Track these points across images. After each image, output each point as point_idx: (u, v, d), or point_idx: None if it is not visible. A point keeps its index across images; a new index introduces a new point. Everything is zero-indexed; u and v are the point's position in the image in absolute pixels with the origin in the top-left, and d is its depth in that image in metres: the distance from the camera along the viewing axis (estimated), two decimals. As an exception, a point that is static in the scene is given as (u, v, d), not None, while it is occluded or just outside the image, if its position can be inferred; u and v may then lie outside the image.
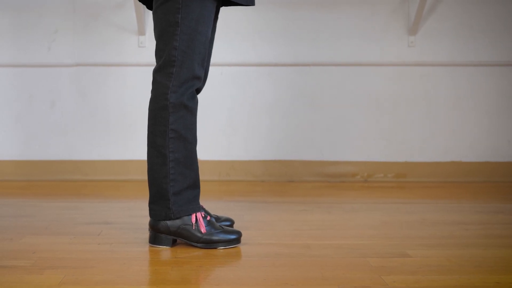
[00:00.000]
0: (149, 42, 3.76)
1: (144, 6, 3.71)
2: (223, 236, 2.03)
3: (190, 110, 2.04)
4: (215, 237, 2.03)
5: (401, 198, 3.17)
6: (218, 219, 2.25)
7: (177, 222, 2.03)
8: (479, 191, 3.40)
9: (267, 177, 3.74)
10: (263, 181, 3.71)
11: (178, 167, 2.03)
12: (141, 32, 3.72)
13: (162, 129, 2.02)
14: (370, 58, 3.77)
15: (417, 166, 3.78)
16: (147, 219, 2.50)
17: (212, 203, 2.88)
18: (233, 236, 2.04)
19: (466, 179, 3.76)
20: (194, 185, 2.07)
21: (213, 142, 3.79)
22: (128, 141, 3.79)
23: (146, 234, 2.21)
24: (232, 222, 2.28)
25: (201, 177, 3.76)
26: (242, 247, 2.05)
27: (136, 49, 3.77)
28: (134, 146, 3.78)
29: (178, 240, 2.06)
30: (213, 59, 3.76)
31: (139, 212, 2.69)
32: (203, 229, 2.02)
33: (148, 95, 3.73)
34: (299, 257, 1.92)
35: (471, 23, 3.78)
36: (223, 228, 2.06)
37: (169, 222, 2.03)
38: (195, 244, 2.02)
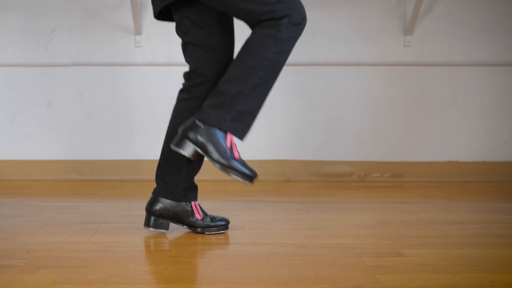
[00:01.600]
0: (146, 41, 3.76)
1: (141, 6, 3.71)
2: (240, 166, 2.06)
3: (288, 51, 2.08)
4: (232, 163, 2.05)
5: (398, 197, 3.17)
6: (213, 219, 2.25)
7: (206, 136, 2.05)
8: (476, 191, 3.40)
9: (264, 177, 3.73)
10: (260, 181, 3.70)
11: (255, 91, 2.05)
12: (138, 32, 3.72)
13: (260, 53, 2.04)
14: (366, 58, 3.77)
15: (414, 166, 3.78)
16: (142, 218, 2.51)
17: (209, 202, 2.88)
18: (249, 172, 2.06)
19: (463, 179, 3.76)
20: (254, 113, 2.09)
21: (210, 142, 3.78)
22: (125, 141, 3.78)
23: (141, 234, 2.21)
24: (227, 222, 2.28)
25: (197, 177, 3.76)
26: (237, 246, 2.05)
27: (133, 49, 3.77)
28: (131, 146, 3.78)
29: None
30: (210, 59, 3.76)
31: (135, 211, 2.69)
32: (236, 155, 2.07)
33: (144, 94, 3.74)
34: (293, 256, 1.91)
35: (467, 23, 3.78)
36: (245, 163, 2.09)
37: (199, 135, 2.05)
38: (213, 161, 2.05)
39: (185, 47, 2.28)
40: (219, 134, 2.06)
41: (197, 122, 2.07)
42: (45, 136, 3.79)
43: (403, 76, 3.79)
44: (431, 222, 2.46)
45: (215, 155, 2.05)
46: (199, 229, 2.21)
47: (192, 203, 2.23)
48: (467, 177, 3.77)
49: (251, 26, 2.10)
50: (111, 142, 3.78)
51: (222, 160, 2.05)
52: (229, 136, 2.07)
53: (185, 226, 2.24)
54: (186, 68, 3.84)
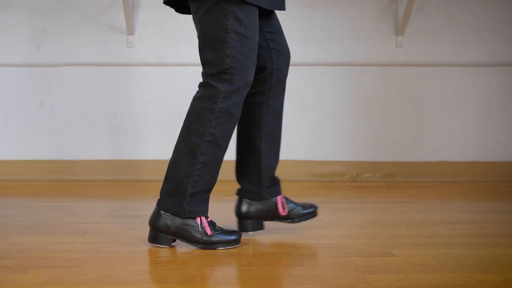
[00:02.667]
0: (138, 42, 3.75)
1: (133, 6, 3.71)
2: (223, 237, 2.03)
3: (233, 118, 2.04)
4: (214, 238, 2.02)
5: (389, 197, 3.18)
6: (304, 206, 2.25)
7: (177, 222, 2.02)
8: (467, 191, 3.41)
9: (256, 177, 3.73)
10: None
11: (204, 170, 2.03)
12: (130, 32, 3.72)
13: (201, 130, 2.01)
14: (358, 58, 3.78)
15: (406, 166, 3.79)
16: (133, 218, 2.51)
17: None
18: (232, 237, 2.04)
19: (455, 179, 3.77)
20: (209, 188, 2.08)
21: (202, 142, 3.79)
22: (117, 141, 3.78)
23: (132, 234, 2.21)
24: (315, 208, 2.28)
25: (190, 177, 3.77)
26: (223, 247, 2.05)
27: (125, 49, 3.76)
28: (123, 146, 3.77)
29: (177, 240, 2.06)
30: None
31: (126, 212, 2.69)
32: (208, 232, 2.02)
33: (136, 94, 3.74)
34: (284, 256, 1.92)
35: (459, 24, 3.80)
36: (222, 229, 2.06)
37: (169, 222, 2.02)
38: (195, 244, 2.02)
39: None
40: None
41: (161, 212, 2.05)
42: (37, 136, 3.78)
43: (395, 77, 3.80)
44: (421, 222, 2.47)
45: (193, 238, 2.02)
46: (288, 220, 2.22)
47: (278, 198, 2.22)
48: (459, 177, 3.78)
49: (202, 67, 2.09)
50: (103, 142, 3.78)
51: (203, 240, 2.01)
52: (197, 217, 2.04)
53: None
54: (177, 68, 3.85)
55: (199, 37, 2.09)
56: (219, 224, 2.19)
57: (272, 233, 2.25)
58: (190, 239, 2.02)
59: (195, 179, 2.02)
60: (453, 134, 3.82)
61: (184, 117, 3.76)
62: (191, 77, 3.79)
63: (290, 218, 2.22)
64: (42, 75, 3.78)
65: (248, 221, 2.21)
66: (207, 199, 2.08)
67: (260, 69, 2.17)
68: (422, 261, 1.85)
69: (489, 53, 3.81)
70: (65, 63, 3.76)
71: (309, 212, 2.24)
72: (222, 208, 2.79)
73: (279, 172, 3.77)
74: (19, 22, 3.75)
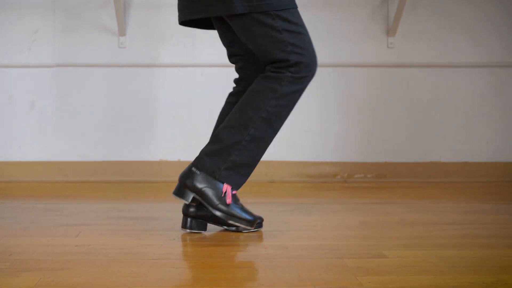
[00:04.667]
0: (130, 43, 3.75)
1: (125, 7, 3.70)
2: (239, 211, 2.12)
3: (291, 105, 2.13)
4: (231, 210, 2.12)
5: (381, 198, 3.19)
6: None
7: (204, 182, 2.09)
8: (458, 192, 3.42)
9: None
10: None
11: (251, 143, 2.09)
12: (122, 33, 3.71)
13: (259, 105, 2.07)
14: (349, 59, 3.78)
15: (397, 167, 3.80)
16: (126, 220, 2.51)
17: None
18: (248, 217, 2.13)
19: (445, 179, 3.79)
20: (250, 164, 2.14)
21: (194, 143, 3.77)
22: (108, 142, 3.77)
23: (124, 236, 2.21)
24: (261, 220, 2.29)
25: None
26: (220, 248, 2.05)
27: (116, 50, 3.76)
28: (115, 148, 3.77)
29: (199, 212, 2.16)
30: (193, 60, 3.77)
31: (118, 213, 2.69)
32: (228, 201, 2.11)
33: (128, 95, 3.74)
34: (276, 258, 1.92)
35: (450, 24, 3.81)
36: (243, 207, 2.15)
37: (198, 179, 2.09)
38: (211, 209, 2.10)
39: (231, 57, 2.31)
40: (216, 180, 2.12)
41: (193, 169, 2.12)
42: (28, 137, 3.77)
43: (386, 78, 3.82)
44: (413, 223, 2.48)
45: (214, 201, 2.11)
46: (233, 228, 2.21)
47: (224, 185, 2.19)
48: (450, 177, 3.80)
49: (262, 64, 2.14)
50: (94, 143, 3.77)
51: (221, 206, 2.11)
52: (224, 184, 2.12)
53: (224, 227, 2.24)
54: (169, 69, 3.85)
55: (254, 46, 2.11)
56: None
57: (264, 235, 2.25)
58: (209, 202, 2.10)
59: (240, 149, 2.09)
60: (444, 134, 3.84)
61: (177, 119, 3.78)
62: (183, 78, 3.79)
63: (232, 225, 2.22)
64: (33, 76, 3.76)
65: (194, 220, 2.20)
66: (246, 176, 2.16)
67: (250, 83, 2.23)
68: (414, 262, 1.86)
69: (480, 54, 3.83)
70: (56, 64, 3.75)
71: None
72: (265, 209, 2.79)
73: (270, 173, 3.78)
74: (9, 23, 3.74)
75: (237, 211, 2.14)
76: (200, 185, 2.10)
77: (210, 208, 2.10)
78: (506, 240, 2.20)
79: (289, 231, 2.31)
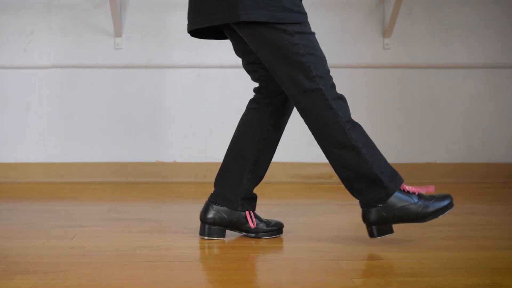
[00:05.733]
0: (126, 44, 3.75)
1: (120, 8, 3.70)
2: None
3: (343, 98, 2.13)
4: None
5: (377, 199, 3.18)
6: (268, 223, 2.25)
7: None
8: (453, 192, 3.37)
9: (244, 179, 3.74)
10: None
11: (369, 149, 2.09)
12: (118, 34, 3.71)
13: (336, 126, 2.08)
14: (345, 60, 3.79)
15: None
16: (122, 222, 2.51)
17: (189, 205, 2.89)
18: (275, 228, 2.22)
19: (441, 180, 3.79)
20: (386, 161, 2.15)
21: (190, 144, 3.79)
22: (104, 144, 3.77)
23: (119, 238, 2.21)
24: (280, 226, 2.28)
25: (176, 179, 3.77)
26: (215, 250, 2.05)
27: (112, 51, 3.76)
28: (111, 149, 3.77)
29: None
30: (190, 61, 3.77)
31: (114, 215, 2.69)
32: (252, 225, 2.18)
33: (124, 96, 3.73)
34: (271, 260, 1.93)
35: (445, 26, 3.82)
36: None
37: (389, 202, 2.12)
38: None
39: (247, 66, 2.25)
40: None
41: (211, 204, 2.18)
42: (24, 139, 3.77)
43: (382, 79, 3.82)
44: (408, 224, 2.47)
45: (243, 226, 2.18)
46: (252, 234, 2.21)
47: (247, 212, 2.21)
48: (445, 178, 3.81)
49: (289, 95, 2.13)
50: (90, 145, 3.77)
51: (252, 229, 2.19)
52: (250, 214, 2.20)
53: (243, 233, 2.22)
54: (165, 70, 3.85)
55: (266, 57, 2.07)
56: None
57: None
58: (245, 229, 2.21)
59: (372, 160, 2.08)
60: (439, 135, 3.85)
61: (173, 120, 3.77)
62: (179, 79, 3.79)
63: (254, 232, 2.21)
64: (29, 77, 3.76)
65: (212, 227, 2.19)
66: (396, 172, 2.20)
67: (271, 91, 2.23)
68: (409, 264, 1.87)
69: (475, 55, 3.83)
70: (52, 65, 3.75)
71: (273, 229, 2.24)
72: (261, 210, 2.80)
73: (266, 174, 3.77)
74: (5, 24, 3.74)
75: (264, 228, 2.20)
76: (224, 218, 2.18)
77: (244, 234, 2.20)
78: (501, 242, 2.20)
79: (285, 232, 2.31)
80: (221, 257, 1.97)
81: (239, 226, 2.20)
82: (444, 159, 3.85)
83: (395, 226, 2.44)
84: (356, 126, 2.11)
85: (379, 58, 3.81)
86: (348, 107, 2.14)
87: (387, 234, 2.11)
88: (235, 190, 2.20)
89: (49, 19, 3.75)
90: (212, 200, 2.20)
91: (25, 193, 3.38)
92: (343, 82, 3.82)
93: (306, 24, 2.09)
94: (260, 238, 2.20)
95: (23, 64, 3.75)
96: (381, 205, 2.09)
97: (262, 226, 2.22)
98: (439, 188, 3.56)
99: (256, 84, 2.28)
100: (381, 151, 3.89)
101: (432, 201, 2.10)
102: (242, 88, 3.79)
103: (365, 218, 2.13)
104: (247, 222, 2.19)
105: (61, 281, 1.68)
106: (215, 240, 2.16)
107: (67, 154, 3.77)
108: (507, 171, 3.84)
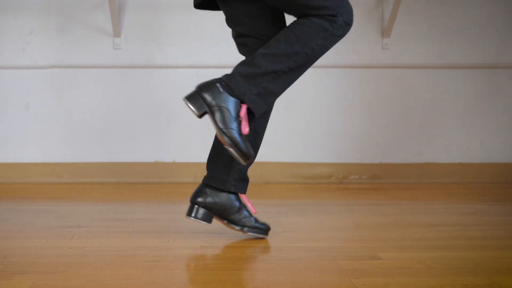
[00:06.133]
0: (125, 44, 3.75)
1: (119, 8, 3.70)
2: (241, 143, 2.01)
3: (327, 49, 2.09)
4: (234, 136, 2.00)
5: (376, 199, 3.19)
6: (256, 221, 2.21)
7: (220, 100, 2.01)
8: (452, 192, 3.43)
9: (243, 179, 3.74)
10: (239, 183, 3.71)
11: (286, 75, 2.05)
12: (117, 34, 3.71)
13: (308, 41, 2.04)
14: (344, 60, 3.79)
15: (392, 168, 3.81)
16: (121, 222, 2.50)
17: (188, 205, 2.88)
18: (246, 150, 2.02)
19: (440, 180, 3.80)
20: (274, 98, 2.10)
21: (189, 144, 3.79)
22: (104, 144, 3.77)
23: (119, 238, 2.21)
24: (268, 228, 2.23)
25: (176, 179, 3.77)
26: (214, 250, 2.05)
27: (111, 51, 3.75)
28: (110, 149, 3.76)
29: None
30: (189, 61, 3.77)
31: (113, 215, 2.69)
32: (244, 130, 2.01)
33: (123, 96, 3.73)
34: (270, 260, 1.92)
35: (444, 26, 3.82)
36: (247, 142, 2.05)
37: (214, 95, 2.00)
38: (216, 128, 2.00)
39: (238, 38, 2.23)
40: (233, 103, 2.02)
41: (217, 85, 2.03)
42: (23, 139, 3.77)
43: (381, 78, 3.82)
44: (407, 224, 2.49)
45: (221, 124, 2.00)
46: (238, 227, 2.16)
47: (242, 196, 2.19)
48: (444, 178, 3.81)
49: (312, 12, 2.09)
50: (89, 145, 3.77)
51: (225, 130, 2.00)
52: (244, 108, 2.03)
53: (227, 222, 2.17)
54: (164, 70, 3.84)
55: (290, 5, 2.07)
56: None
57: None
58: (217, 121, 2.00)
59: (275, 77, 2.04)
60: (438, 135, 3.85)
61: (172, 120, 3.77)
62: (178, 79, 3.79)
63: (241, 224, 2.18)
64: (28, 77, 3.76)
65: (200, 210, 2.16)
66: (268, 105, 2.10)
67: None
68: (408, 264, 1.87)
69: (474, 55, 3.83)
70: (51, 65, 3.75)
71: (260, 227, 2.20)
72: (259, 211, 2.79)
73: (265, 174, 3.78)
74: (4, 24, 3.73)
75: (239, 141, 1.99)
76: (215, 102, 2.00)
77: (214, 126, 2.00)
78: (501, 242, 2.20)
79: (284, 232, 2.31)
80: (220, 257, 1.96)
81: (228, 214, 2.17)
82: (443, 159, 3.85)
83: (394, 227, 2.44)
84: (308, 60, 2.07)
85: (378, 58, 3.81)
86: (322, 54, 2.11)
87: (193, 104, 2.04)
88: (227, 170, 2.18)
89: (48, 19, 3.74)
90: (206, 182, 2.17)
91: (24, 193, 3.38)
92: (342, 82, 3.84)
93: None
94: (245, 232, 2.17)
95: (22, 64, 3.74)
96: (222, 91, 2.02)
97: (251, 220, 2.18)
98: (439, 188, 3.56)
99: (243, 58, 2.25)
100: (380, 150, 3.91)
101: (242, 138, 2.03)
102: (241, 88, 3.80)
103: (203, 84, 2.07)
104: (240, 209, 2.16)
105: (60, 281, 1.68)
106: (214, 241, 2.16)
107: (66, 154, 3.77)
108: (506, 171, 3.84)
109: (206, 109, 2.01)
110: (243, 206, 2.20)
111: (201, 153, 3.78)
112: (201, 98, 2.02)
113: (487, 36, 3.84)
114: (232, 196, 2.18)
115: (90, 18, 3.74)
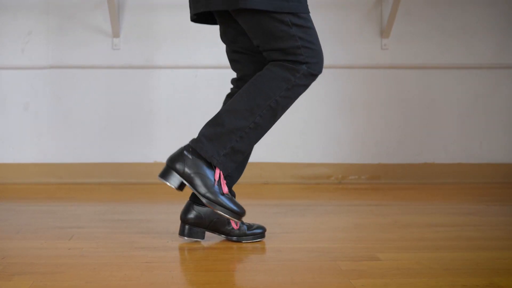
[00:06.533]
0: (124, 44, 3.74)
1: (118, 8, 3.70)
2: (228, 202, 2.02)
3: (296, 97, 2.08)
4: (219, 198, 2.01)
5: (375, 200, 3.19)
6: (250, 227, 2.20)
7: (195, 167, 2.02)
8: (451, 193, 3.43)
9: (242, 179, 3.72)
10: (238, 183, 3.70)
11: (253, 131, 2.04)
12: (116, 34, 3.70)
13: (269, 94, 2.03)
14: (343, 60, 3.79)
15: (391, 168, 3.81)
16: (119, 222, 2.50)
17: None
18: (236, 209, 2.03)
19: (439, 181, 3.80)
20: (242, 156, 2.09)
21: (188, 145, 3.78)
22: (103, 144, 3.77)
23: (117, 238, 2.21)
24: (264, 230, 2.22)
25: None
26: (213, 251, 2.05)
27: (110, 51, 3.75)
28: (109, 149, 3.76)
29: (186, 186, 2.06)
30: (188, 62, 3.77)
31: (112, 216, 2.69)
32: (224, 190, 2.03)
33: (122, 97, 3.73)
34: (270, 261, 1.92)
35: (443, 26, 3.82)
36: (233, 199, 2.06)
37: (187, 164, 2.02)
38: (199, 195, 2.02)
39: (231, 54, 2.24)
40: (206, 166, 2.04)
41: (185, 153, 2.04)
42: (22, 139, 3.76)
43: (380, 79, 3.82)
44: (406, 225, 2.49)
45: (202, 189, 2.02)
46: (234, 238, 2.15)
47: (217, 172, 2.09)
48: (443, 179, 3.81)
49: (269, 60, 2.09)
50: (88, 145, 3.77)
51: (208, 195, 2.01)
52: (217, 170, 2.04)
53: (222, 236, 2.17)
54: (163, 71, 3.84)
55: (262, 40, 2.06)
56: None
57: (258, 237, 2.25)
58: (197, 189, 2.01)
59: (242, 135, 2.04)
60: (437, 136, 3.85)
61: (171, 120, 3.77)
62: (177, 79, 3.79)
63: (235, 235, 2.17)
64: (26, 77, 3.75)
65: (192, 228, 2.14)
66: (237, 163, 2.10)
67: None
68: (407, 265, 1.87)
69: (473, 55, 3.84)
70: (50, 65, 3.75)
71: (256, 233, 2.19)
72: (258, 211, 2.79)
73: (264, 175, 3.78)
74: (3, 24, 3.73)
75: (225, 201, 2.02)
76: (189, 170, 2.02)
77: (197, 195, 2.02)
78: (499, 242, 2.20)
79: (283, 233, 2.31)
80: (219, 258, 1.96)
81: (219, 227, 2.15)
82: (442, 159, 3.85)
83: (393, 228, 2.44)
84: (274, 114, 2.06)
85: (377, 59, 3.81)
86: (291, 103, 2.09)
87: (167, 180, 2.07)
88: None
89: (46, 19, 3.74)
90: (192, 199, 2.15)
91: (23, 194, 3.37)
92: (341, 82, 3.84)
93: (307, 16, 2.05)
94: (241, 242, 2.15)
95: (21, 64, 3.74)
96: (191, 158, 2.04)
97: (243, 229, 2.17)
98: (438, 188, 3.56)
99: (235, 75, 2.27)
100: (379, 151, 3.91)
101: (227, 196, 2.05)
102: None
103: (172, 156, 2.08)
104: (229, 222, 2.14)
105: (59, 282, 1.68)
106: (214, 242, 2.16)
107: (65, 154, 3.76)
108: (505, 172, 3.85)
109: (182, 180, 2.04)
110: None
111: (200, 154, 3.79)
112: (174, 171, 2.05)
113: (486, 36, 3.84)
114: None
115: (89, 18, 3.74)
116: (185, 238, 2.15)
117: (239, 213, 2.04)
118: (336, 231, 2.38)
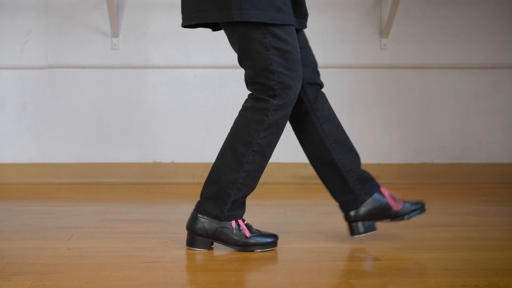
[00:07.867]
0: (123, 44, 3.74)
1: (118, 8, 3.70)
2: (260, 239, 2.06)
3: (280, 130, 2.08)
4: (252, 240, 2.05)
5: (374, 200, 3.18)
6: (410, 203, 2.21)
7: (214, 225, 2.05)
8: (450, 193, 3.43)
9: (241, 180, 3.74)
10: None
11: (248, 178, 2.05)
12: (115, 34, 3.70)
13: (249, 140, 2.03)
14: (342, 60, 3.79)
15: (390, 168, 3.81)
16: (119, 223, 2.50)
17: (186, 206, 2.87)
18: (269, 240, 2.07)
19: (438, 181, 3.80)
20: (249, 194, 2.11)
21: (187, 145, 3.78)
22: (101, 144, 3.77)
23: (117, 239, 2.21)
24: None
25: (174, 180, 3.77)
26: (212, 251, 2.05)
27: (109, 51, 3.75)
28: (108, 149, 3.76)
29: (215, 243, 2.10)
30: (187, 62, 3.76)
31: (111, 216, 2.69)
32: (247, 234, 2.05)
33: (121, 97, 3.73)
34: (269, 261, 1.92)
35: (442, 26, 3.82)
36: (259, 231, 2.09)
37: (206, 225, 2.05)
38: (232, 247, 2.05)
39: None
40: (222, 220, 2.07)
41: (199, 216, 2.07)
42: (21, 139, 3.76)
43: (379, 79, 3.82)
44: (405, 225, 2.48)
45: (231, 240, 2.05)
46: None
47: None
48: (442, 179, 3.81)
49: (245, 79, 2.09)
50: (87, 145, 3.76)
51: (240, 243, 2.05)
52: (232, 222, 2.07)
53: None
54: (162, 71, 3.84)
55: (240, 58, 2.06)
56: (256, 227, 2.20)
57: (257, 237, 2.25)
58: (228, 242, 2.05)
59: (239, 187, 2.05)
60: (436, 136, 3.85)
61: (170, 120, 3.77)
62: (176, 79, 3.79)
63: (399, 215, 2.16)
64: (25, 77, 3.75)
65: (359, 223, 2.16)
66: (245, 203, 2.12)
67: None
68: (406, 265, 1.87)
69: (472, 55, 3.84)
70: (49, 65, 3.74)
71: (417, 208, 2.18)
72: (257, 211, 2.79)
73: (263, 175, 3.77)
74: (2, 25, 3.72)
75: (257, 240, 2.05)
76: (211, 230, 2.04)
77: (231, 246, 2.05)
78: (498, 242, 2.20)
79: (282, 233, 2.30)
80: (218, 258, 1.96)
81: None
82: (441, 159, 3.85)
83: (392, 228, 2.44)
84: (262, 155, 2.07)
85: (376, 59, 3.81)
86: (277, 138, 2.10)
87: (197, 247, 2.08)
88: (349, 189, 2.23)
89: (45, 19, 3.74)
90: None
91: (21, 194, 3.37)
92: (341, 82, 3.83)
93: (291, 32, 2.02)
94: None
95: (20, 64, 3.74)
96: (207, 218, 2.06)
97: (404, 207, 2.17)
98: (437, 188, 3.56)
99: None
100: (378, 151, 3.92)
101: (255, 234, 2.08)
102: (239, 88, 3.79)
103: (190, 223, 2.09)
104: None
105: (58, 282, 1.68)
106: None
107: (63, 154, 3.76)
108: (504, 172, 3.85)
109: (210, 240, 2.07)
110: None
111: (199, 154, 3.79)
112: (198, 237, 2.07)
113: (485, 36, 3.84)
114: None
115: (88, 18, 3.74)
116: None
117: (274, 242, 2.09)
118: (335, 231, 2.38)
